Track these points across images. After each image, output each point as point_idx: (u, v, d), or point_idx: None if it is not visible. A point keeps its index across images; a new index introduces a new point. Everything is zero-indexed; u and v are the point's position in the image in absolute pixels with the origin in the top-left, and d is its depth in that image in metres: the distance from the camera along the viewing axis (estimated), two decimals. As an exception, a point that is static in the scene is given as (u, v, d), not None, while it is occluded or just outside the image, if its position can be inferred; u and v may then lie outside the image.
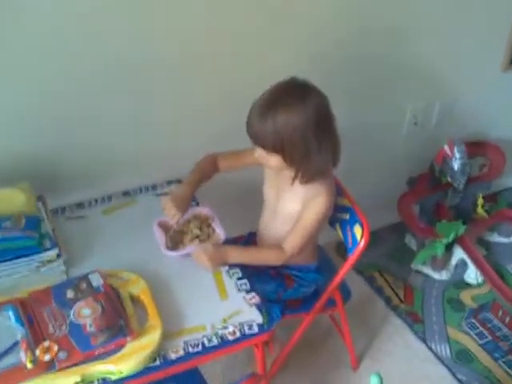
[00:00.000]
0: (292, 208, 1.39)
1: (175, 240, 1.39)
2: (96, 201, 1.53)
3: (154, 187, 1.60)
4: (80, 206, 1.52)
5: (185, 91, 1.55)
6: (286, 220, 1.41)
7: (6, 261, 1.22)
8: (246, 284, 1.30)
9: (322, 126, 1.25)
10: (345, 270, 1.47)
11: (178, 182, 1.60)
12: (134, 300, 1.22)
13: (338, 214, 1.48)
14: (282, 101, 1.22)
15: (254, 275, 1.37)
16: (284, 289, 1.49)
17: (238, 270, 1.34)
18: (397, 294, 2.03)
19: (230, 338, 1.17)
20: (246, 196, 1.71)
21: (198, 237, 1.39)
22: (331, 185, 1.38)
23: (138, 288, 1.23)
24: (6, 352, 1.08)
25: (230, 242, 1.53)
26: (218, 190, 1.61)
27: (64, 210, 1.50)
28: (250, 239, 1.62)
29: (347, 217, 1.46)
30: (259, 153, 1.30)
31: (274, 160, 1.29)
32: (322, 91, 1.28)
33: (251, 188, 1.57)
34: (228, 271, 1.33)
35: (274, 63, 1.58)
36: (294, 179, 1.34)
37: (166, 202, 1.36)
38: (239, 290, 1.28)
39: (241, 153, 1.47)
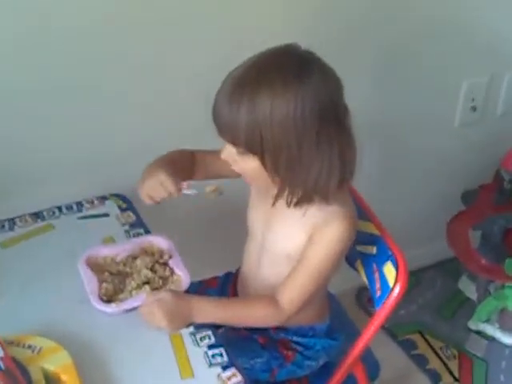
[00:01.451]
0: (288, 242, 1.40)
1: (114, 287, 1.39)
2: (-10, 227, 1.55)
3: (79, 206, 1.62)
4: (-35, 236, 1.53)
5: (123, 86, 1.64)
6: (279, 259, 1.43)
7: None
8: (221, 355, 1.29)
9: (326, 119, 1.25)
10: (371, 333, 1.47)
11: (118, 197, 1.65)
12: (51, 381, 1.20)
13: (358, 247, 1.49)
14: (267, 77, 1.22)
15: (234, 342, 1.37)
16: (280, 364, 1.50)
17: (209, 333, 1.33)
18: (448, 368, 2.05)
19: None
20: (222, 221, 1.73)
21: (148, 282, 1.39)
22: (349, 205, 1.38)
23: (57, 362, 1.22)
24: None
25: (197, 288, 1.56)
26: (180, 211, 1.64)
27: None
28: (226, 283, 1.65)
29: (374, 251, 1.48)
30: (228, 152, 1.31)
31: (248, 164, 1.29)
32: (335, 70, 1.28)
33: (229, 209, 1.58)
34: (193, 334, 1.33)
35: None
36: (275, 197, 1.33)
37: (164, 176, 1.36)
38: (211, 364, 1.27)
39: (216, 153, 1.47)
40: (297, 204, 1.32)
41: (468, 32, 1.99)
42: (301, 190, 1.29)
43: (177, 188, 1.37)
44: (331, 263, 1.36)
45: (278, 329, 1.49)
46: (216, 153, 1.42)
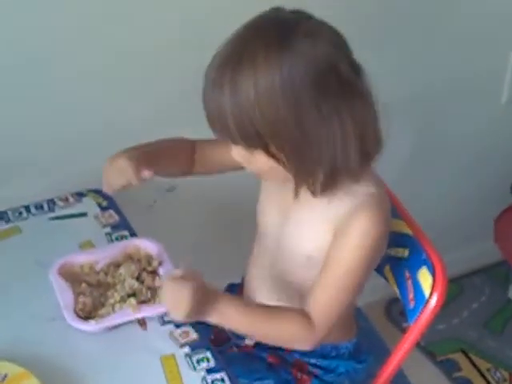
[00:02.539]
0: (310, 239, 1.39)
1: (92, 301, 1.38)
2: None
3: (50, 204, 1.62)
4: None
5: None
6: (297, 260, 1.42)
7: None
8: (223, 381, 1.29)
9: (326, 86, 1.24)
10: (403, 352, 1.47)
11: (98, 193, 1.65)
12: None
13: (388, 250, 1.46)
14: (248, 51, 1.22)
15: (237, 358, 1.40)
16: None
17: (207, 355, 1.34)
18: (498, 393, 2.05)
19: None
20: (222, 223, 1.75)
21: (133, 294, 1.40)
22: (380, 187, 1.37)
23: (26, 391, 1.22)
24: None
25: None
26: (172, 211, 1.65)
27: None
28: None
29: (405, 254, 1.48)
30: (237, 153, 1.32)
31: (260, 160, 1.30)
32: (333, 27, 1.28)
33: (232, 208, 1.57)
34: (189, 356, 1.33)
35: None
36: (296, 188, 1.33)
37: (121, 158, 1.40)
38: (210, 392, 1.28)
39: (216, 142, 1.48)
40: (323, 191, 1.31)
41: None
42: (320, 172, 1.28)
43: (137, 175, 1.39)
44: (366, 263, 1.33)
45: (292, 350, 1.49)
46: (216, 142, 1.45)
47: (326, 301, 1.34)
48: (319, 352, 1.51)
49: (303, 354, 1.51)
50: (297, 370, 1.51)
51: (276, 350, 1.51)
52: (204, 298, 1.27)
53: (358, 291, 1.38)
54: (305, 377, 1.51)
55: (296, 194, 1.33)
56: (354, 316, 1.57)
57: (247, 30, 1.26)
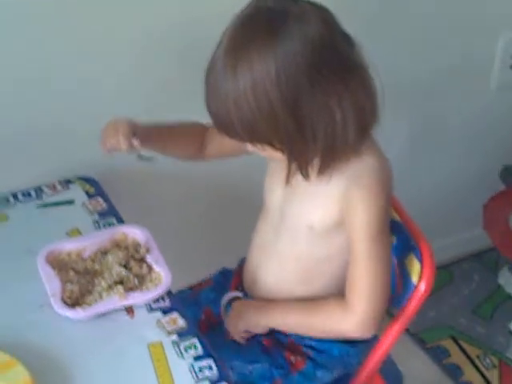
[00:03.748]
0: (311, 213, 1.40)
1: (80, 288, 1.38)
2: None
3: (38, 192, 1.62)
4: None
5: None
6: (299, 234, 1.44)
7: None
8: (210, 368, 1.29)
9: (326, 63, 1.24)
10: (391, 339, 1.47)
11: (86, 180, 1.66)
12: (5, 401, 1.19)
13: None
14: (243, 48, 1.23)
15: (231, 342, 1.42)
16: (285, 373, 1.49)
17: (195, 342, 1.33)
18: (486, 379, 2.04)
19: None
20: (211, 210, 1.75)
21: (121, 282, 1.39)
22: (380, 160, 1.37)
23: (13, 379, 1.22)
24: None
25: (187, 296, 1.64)
26: (161, 197, 1.65)
27: None
28: (223, 282, 1.65)
29: (393, 240, 1.46)
30: (252, 148, 1.35)
31: (270, 151, 1.32)
32: (321, 4, 1.28)
33: (222, 194, 1.56)
34: (176, 344, 1.33)
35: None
36: (302, 173, 1.33)
37: (118, 122, 1.45)
38: (198, 379, 1.27)
39: None
40: (323, 170, 1.32)
41: None
42: (320, 153, 1.29)
43: (127, 139, 1.42)
44: (382, 227, 1.34)
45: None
46: None
47: (363, 283, 1.36)
48: None
49: (298, 335, 1.51)
50: (290, 352, 1.51)
51: (271, 332, 1.51)
52: (253, 318, 1.49)
53: (389, 257, 1.39)
54: (299, 359, 1.50)
55: (305, 176, 1.33)
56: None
57: (239, 27, 1.26)
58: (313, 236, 1.41)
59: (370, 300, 1.35)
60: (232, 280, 1.64)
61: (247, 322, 1.49)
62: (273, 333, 1.51)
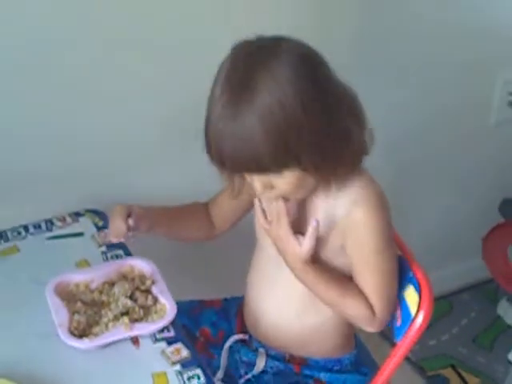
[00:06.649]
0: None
1: (87, 319, 1.36)
2: None
3: (48, 224, 1.61)
4: None
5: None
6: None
7: None
8: (213, 398, 1.26)
9: (326, 82, 1.26)
10: (391, 369, 1.45)
11: (95, 213, 1.65)
12: None
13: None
14: (253, 77, 1.21)
15: None
16: None
17: (198, 372, 1.30)
18: (486, 408, 2.02)
19: None
20: (219, 242, 1.69)
21: (127, 313, 1.37)
22: (373, 184, 1.37)
23: (18, 408, 1.18)
24: None
25: (195, 307, 1.63)
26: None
27: None
28: (229, 310, 1.64)
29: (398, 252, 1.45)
30: (260, 184, 1.30)
31: (289, 179, 1.28)
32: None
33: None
34: (180, 373, 1.30)
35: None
36: (326, 189, 1.35)
37: (116, 207, 1.44)
38: (202, 411, 1.24)
39: (225, 192, 1.53)
40: (338, 185, 1.33)
41: (500, 21, 2.02)
42: (341, 167, 1.30)
43: (123, 220, 1.43)
44: (386, 242, 1.36)
45: (300, 364, 1.50)
46: (225, 192, 1.52)
47: (376, 290, 1.38)
48: (325, 366, 1.52)
49: (311, 369, 1.51)
50: None
51: (289, 374, 1.50)
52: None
53: (396, 266, 1.41)
54: None
55: (327, 189, 1.34)
56: (353, 327, 1.54)
57: (233, 69, 1.25)
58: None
59: (388, 307, 1.39)
60: (236, 319, 1.62)
61: (290, 251, 1.38)
62: (299, 381, 1.50)
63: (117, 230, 1.42)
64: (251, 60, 1.23)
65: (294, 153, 1.22)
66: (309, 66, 1.24)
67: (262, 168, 1.24)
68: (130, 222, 1.41)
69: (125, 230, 1.41)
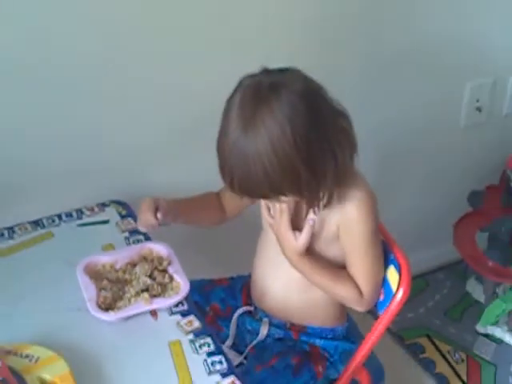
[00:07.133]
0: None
1: (112, 295, 1.39)
2: (-11, 236, 1.56)
3: (79, 213, 1.63)
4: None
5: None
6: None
7: None
8: (221, 362, 1.28)
9: (320, 111, 1.24)
10: (374, 338, 1.46)
11: (119, 204, 1.66)
12: (48, 390, 1.21)
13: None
14: (258, 114, 1.19)
15: (260, 372, 1.42)
16: (314, 382, 1.48)
17: (208, 340, 1.32)
18: (456, 372, 2.03)
19: None
20: (229, 225, 1.71)
21: (146, 289, 1.40)
22: (366, 188, 1.38)
23: (55, 372, 1.21)
24: None
25: (205, 285, 1.63)
26: None
27: None
28: (238, 285, 1.64)
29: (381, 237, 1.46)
30: (263, 201, 1.38)
31: (285, 200, 1.31)
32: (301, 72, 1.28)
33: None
34: (193, 342, 1.32)
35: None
36: (310, 209, 1.34)
37: (146, 200, 1.43)
38: (210, 371, 1.27)
39: None
40: (328, 202, 1.32)
41: (468, 37, 2.00)
42: (327, 189, 1.29)
43: (152, 212, 1.41)
44: (374, 233, 1.38)
45: (299, 332, 1.51)
46: None
47: (365, 276, 1.40)
48: (321, 334, 1.53)
49: (308, 336, 1.52)
50: (315, 362, 1.50)
51: (292, 345, 1.51)
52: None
53: (382, 253, 1.42)
54: (322, 365, 1.50)
55: (316, 211, 1.34)
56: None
57: (243, 102, 1.22)
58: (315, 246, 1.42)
59: (375, 290, 1.41)
60: (241, 295, 1.62)
61: (288, 245, 1.39)
62: (296, 345, 1.51)
63: (146, 222, 1.42)
64: (256, 100, 1.21)
65: (288, 190, 1.25)
66: (307, 104, 1.21)
67: (259, 194, 1.29)
68: (159, 215, 1.41)
69: (154, 223, 1.42)
